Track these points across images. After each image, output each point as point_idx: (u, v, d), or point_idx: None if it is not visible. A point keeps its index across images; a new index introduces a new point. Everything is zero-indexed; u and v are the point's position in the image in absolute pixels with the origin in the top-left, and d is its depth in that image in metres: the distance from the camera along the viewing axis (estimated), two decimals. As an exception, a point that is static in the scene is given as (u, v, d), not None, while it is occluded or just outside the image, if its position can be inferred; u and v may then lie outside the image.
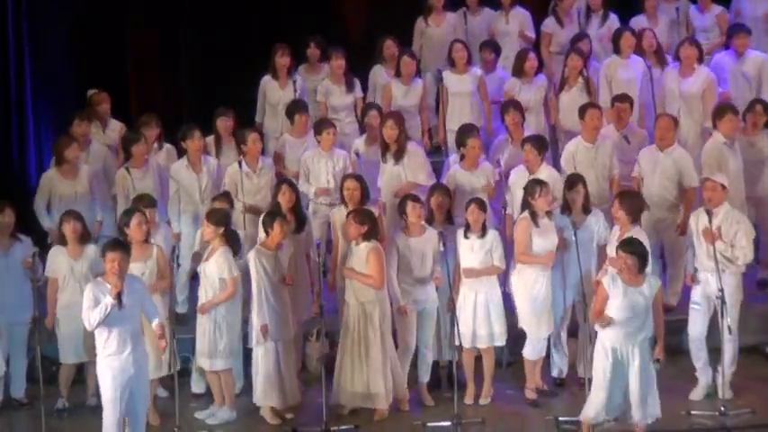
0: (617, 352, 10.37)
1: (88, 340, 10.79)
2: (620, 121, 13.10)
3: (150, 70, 15.86)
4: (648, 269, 10.78)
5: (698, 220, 11.54)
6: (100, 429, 10.31)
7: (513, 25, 15.15)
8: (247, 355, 11.66)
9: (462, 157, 12.62)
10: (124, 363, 10.11)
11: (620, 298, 10.29)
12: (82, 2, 15.56)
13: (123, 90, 15.38)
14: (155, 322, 10.36)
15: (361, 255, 11.36)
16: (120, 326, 10.06)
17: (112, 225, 12.64)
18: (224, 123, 13.37)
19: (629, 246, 10.41)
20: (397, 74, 14.10)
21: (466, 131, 12.69)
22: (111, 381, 10.13)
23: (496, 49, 14.47)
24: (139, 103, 15.21)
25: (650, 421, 10.52)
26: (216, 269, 11.35)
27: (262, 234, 11.54)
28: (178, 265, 11.49)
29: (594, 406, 10.48)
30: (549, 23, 15.13)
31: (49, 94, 15.02)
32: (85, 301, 10.07)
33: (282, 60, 14.16)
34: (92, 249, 11.67)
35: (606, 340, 10.41)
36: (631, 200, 11.44)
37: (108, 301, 9.93)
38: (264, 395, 11.40)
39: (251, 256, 11.35)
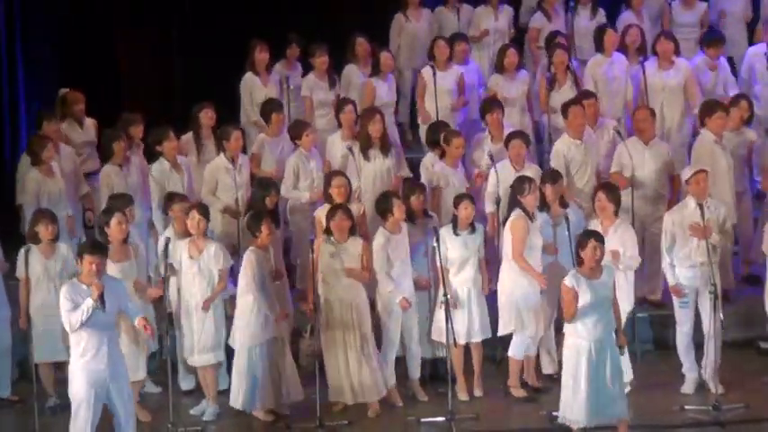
0: (591, 350, 10.27)
1: (66, 340, 10.57)
2: (592, 118, 13.11)
3: (141, 69, 15.84)
4: (635, 265, 11.03)
5: (681, 218, 11.51)
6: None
7: (503, 22, 15.24)
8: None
9: (443, 154, 12.63)
10: (99, 366, 9.93)
11: (588, 294, 10.21)
12: (72, 1, 15.55)
13: (114, 89, 15.39)
14: (137, 319, 10.25)
15: (354, 250, 11.36)
16: (97, 329, 9.90)
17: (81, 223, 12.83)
18: (207, 115, 13.30)
19: (601, 237, 10.37)
20: (375, 71, 14.10)
21: (448, 130, 12.75)
22: (85, 384, 9.93)
23: (467, 41, 14.59)
24: (130, 102, 15.20)
25: (626, 416, 10.48)
26: (215, 261, 11.37)
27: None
28: (170, 266, 11.49)
29: (578, 408, 10.32)
30: (537, 18, 15.23)
31: (42, 94, 15.00)
32: (64, 304, 9.90)
33: (261, 56, 14.19)
34: (64, 248, 11.63)
35: (579, 339, 10.28)
36: (615, 192, 11.51)
37: (89, 303, 9.80)
38: (256, 398, 11.33)
39: (248, 257, 11.29)
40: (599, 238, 10.33)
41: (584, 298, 10.19)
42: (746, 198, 13.21)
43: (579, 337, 10.29)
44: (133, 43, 15.89)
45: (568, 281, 10.24)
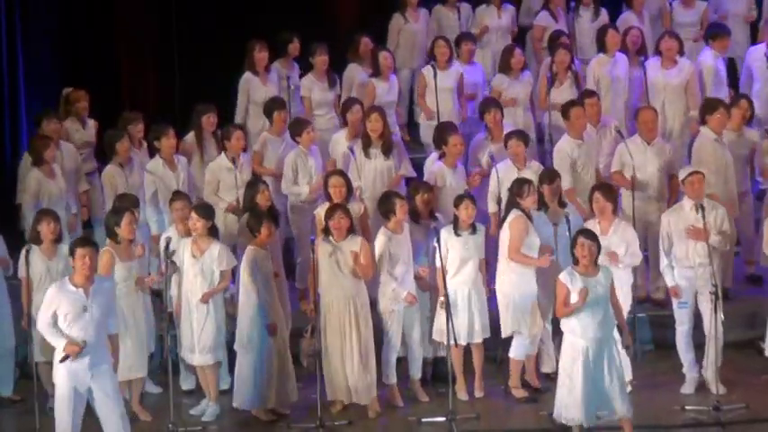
0: (588, 350, 10.33)
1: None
2: (594, 117, 13.14)
3: (141, 65, 15.84)
4: (637, 261, 11.08)
5: (677, 220, 11.53)
6: (95, 426, 10.21)
7: (506, 20, 15.25)
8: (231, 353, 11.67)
9: (443, 155, 12.64)
10: (80, 365, 9.84)
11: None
12: (72, 1, 15.56)
13: (114, 85, 15.40)
14: (111, 333, 10.15)
15: (353, 248, 11.33)
16: (80, 329, 9.84)
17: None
18: (209, 120, 13.32)
19: (591, 234, 10.48)
20: (376, 72, 14.11)
21: (446, 129, 12.74)
22: (66, 382, 9.86)
23: (474, 40, 14.60)
24: (130, 99, 15.22)
25: (630, 414, 10.51)
26: (218, 262, 11.35)
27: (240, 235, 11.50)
28: (173, 263, 11.48)
29: (574, 407, 10.38)
30: (543, 17, 15.23)
31: (42, 94, 15.00)
32: (43, 309, 9.84)
33: (261, 56, 14.17)
34: (66, 248, 11.61)
35: (575, 337, 10.37)
36: (612, 191, 11.55)
37: (59, 355, 9.77)
38: (257, 397, 11.37)
39: (247, 257, 11.30)
40: (587, 236, 10.44)
41: (576, 294, 10.29)
42: (748, 198, 13.20)
43: (575, 336, 10.37)
44: (133, 43, 15.89)
45: (563, 276, 10.38)
